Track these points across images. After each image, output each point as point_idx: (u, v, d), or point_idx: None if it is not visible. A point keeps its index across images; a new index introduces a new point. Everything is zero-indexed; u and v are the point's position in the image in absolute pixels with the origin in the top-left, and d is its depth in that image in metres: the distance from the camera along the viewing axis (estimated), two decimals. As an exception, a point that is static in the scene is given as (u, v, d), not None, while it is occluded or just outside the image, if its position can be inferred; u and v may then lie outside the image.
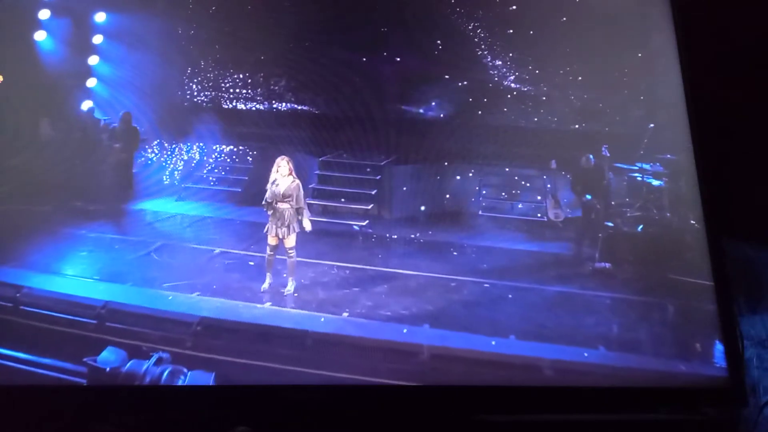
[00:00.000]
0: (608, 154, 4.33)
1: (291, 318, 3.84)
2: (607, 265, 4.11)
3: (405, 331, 3.74)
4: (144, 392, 3.39)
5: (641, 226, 4.26)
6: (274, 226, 4.22)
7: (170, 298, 3.96)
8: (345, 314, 3.87)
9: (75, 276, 4.16)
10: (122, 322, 3.73)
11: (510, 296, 4.03)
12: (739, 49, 3.95)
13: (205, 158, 5.04)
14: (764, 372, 3.46)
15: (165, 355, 3.50)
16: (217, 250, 4.47)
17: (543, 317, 3.84)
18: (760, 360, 3.49)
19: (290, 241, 4.23)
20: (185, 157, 5.04)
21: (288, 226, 4.22)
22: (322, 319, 3.83)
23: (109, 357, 3.52)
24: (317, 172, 4.89)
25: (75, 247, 4.40)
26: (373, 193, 4.82)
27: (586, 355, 3.60)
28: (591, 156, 4.34)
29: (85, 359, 3.53)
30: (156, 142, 4.92)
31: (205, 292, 4.03)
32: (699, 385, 3.31)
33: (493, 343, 3.66)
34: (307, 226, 4.26)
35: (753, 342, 3.55)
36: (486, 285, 4.13)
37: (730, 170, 3.81)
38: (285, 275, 4.22)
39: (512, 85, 4.65)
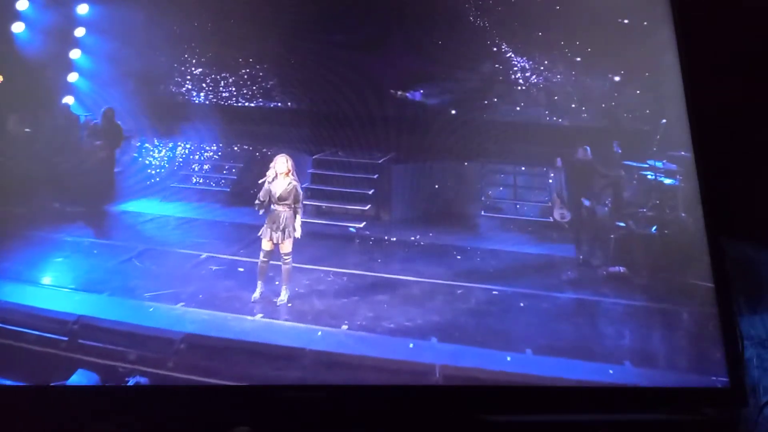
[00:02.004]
0: (619, 151, 3.98)
1: (285, 332, 3.40)
2: (621, 269, 3.74)
3: (411, 346, 3.29)
4: (144, 392, 3.12)
5: (655, 227, 3.88)
6: (269, 230, 3.76)
7: (151, 309, 3.51)
8: (344, 327, 3.41)
9: (47, 285, 3.68)
10: (97, 339, 3.24)
11: (522, 304, 3.61)
12: (739, 49, 3.77)
13: (192, 156, 4.63)
14: (764, 372, 3.31)
15: (142, 380, 2.99)
16: (204, 255, 4.01)
17: (559, 328, 3.44)
18: (760, 360, 3.35)
19: (286, 247, 3.77)
20: (171, 156, 4.64)
21: (284, 230, 3.75)
22: (319, 333, 3.38)
23: (79, 381, 3.02)
24: (311, 170, 4.47)
25: (50, 252, 3.94)
26: (371, 193, 4.38)
27: (611, 372, 3.15)
28: (588, 148, 4.00)
29: (52, 383, 3.03)
30: (140, 140, 4.53)
31: (190, 303, 3.57)
32: (699, 385, 3.15)
33: (509, 359, 3.24)
34: (298, 231, 3.78)
35: (753, 342, 3.39)
36: (495, 292, 3.72)
37: (730, 170, 3.63)
38: (277, 282, 3.77)
39: (516, 80, 4.30)
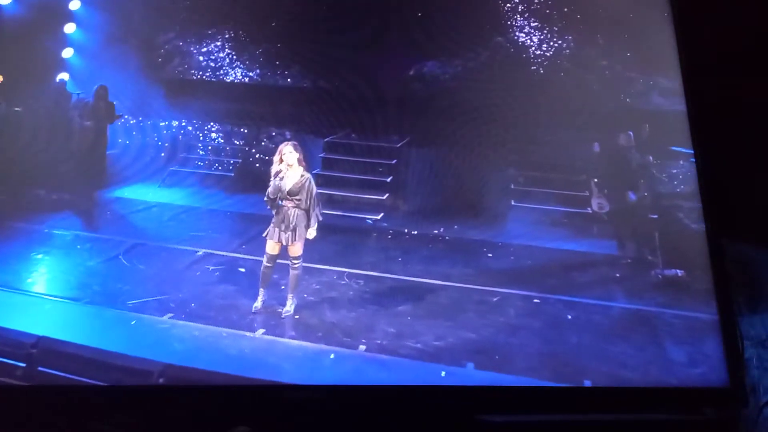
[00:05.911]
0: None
1: (290, 354, 2.70)
2: (680, 272, 3.06)
3: (443, 374, 2.56)
4: (144, 392, 2.77)
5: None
6: (276, 230, 3.06)
7: (134, 323, 2.82)
8: (361, 347, 2.68)
9: (16, 290, 2.96)
10: (59, 366, 2.46)
11: (569, 317, 2.87)
12: (739, 49, 3.47)
13: (194, 138, 4.03)
14: (764, 372, 3.08)
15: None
16: (201, 252, 3.33)
17: (619, 350, 2.71)
18: (760, 360, 3.12)
19: (296, 249, 3.06)
20: (170, 137, 4.02)
21: (294, 230, 3.02)
22: (332, 356, 2.66)
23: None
24: (322, 155, 3.79)
25: (27, 248, 3.26)
26: (388, 180, 3.70)
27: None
28: (631, 133, 3.42)
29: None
30: (137, 119, 3.90)
31: (179, 314, 2.88)
32: (699, 385, 2.86)
33: (563, 393, 2.45)
34: (311, 233, 3.07)
35: (753, 342, 3.16)
36: (536, 300, 2.97)
37: (730, 170, 3.32)
38: (283, 287, 3.05)
39: (549, 59, 3.69)
